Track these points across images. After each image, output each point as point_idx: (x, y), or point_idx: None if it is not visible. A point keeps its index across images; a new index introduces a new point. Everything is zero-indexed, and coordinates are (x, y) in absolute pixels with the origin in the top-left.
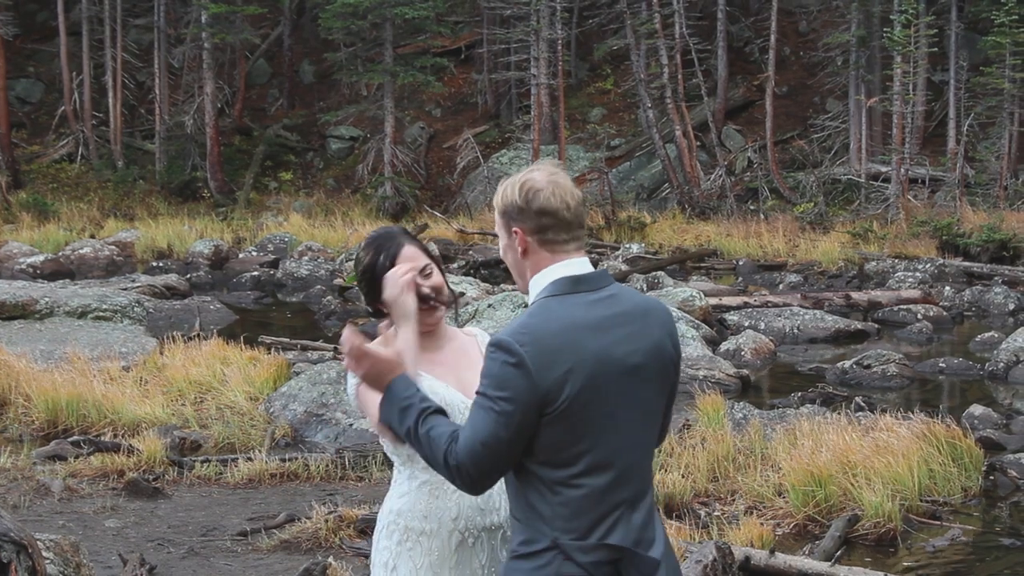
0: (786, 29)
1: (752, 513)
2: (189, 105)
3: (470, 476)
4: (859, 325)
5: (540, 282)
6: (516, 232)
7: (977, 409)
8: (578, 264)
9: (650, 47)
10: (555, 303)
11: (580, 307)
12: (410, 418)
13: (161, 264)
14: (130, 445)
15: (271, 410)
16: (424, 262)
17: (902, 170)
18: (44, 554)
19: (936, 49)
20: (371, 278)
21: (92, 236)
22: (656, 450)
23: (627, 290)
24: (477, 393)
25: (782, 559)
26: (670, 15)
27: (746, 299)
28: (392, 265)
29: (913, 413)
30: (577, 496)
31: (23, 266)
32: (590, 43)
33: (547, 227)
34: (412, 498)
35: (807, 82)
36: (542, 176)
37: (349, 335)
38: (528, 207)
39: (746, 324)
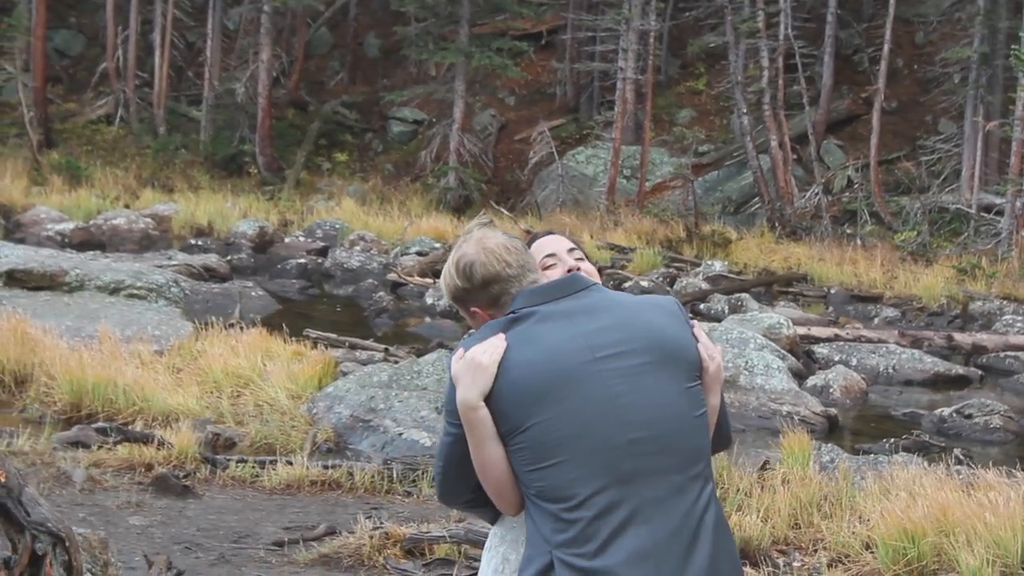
0: (901, 39)
1: (836, 567)
2: (242, 72)
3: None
4: (960, 370)
5: None
6: (476, 312)
7: None
8: None
9: (750, 47)
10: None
11: (545, 308)
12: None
13: (200, 243)
14: (160, 437)
15: (314, 411)
16: (569, 246)
17: (1018, 203)
18: None
19: None
20: None
21: (126, 206)
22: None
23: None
24: None
25: None
26: (775, 14)
27: (837, 331)
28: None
29: (1018, 471)
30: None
31: (51, 233)
32: (684, 38)
33: (499, 294)
34: (518, 522)
35: (920, 99)
36: (471, 248)
37: None
38: (472, 284)
39: (836, 359)
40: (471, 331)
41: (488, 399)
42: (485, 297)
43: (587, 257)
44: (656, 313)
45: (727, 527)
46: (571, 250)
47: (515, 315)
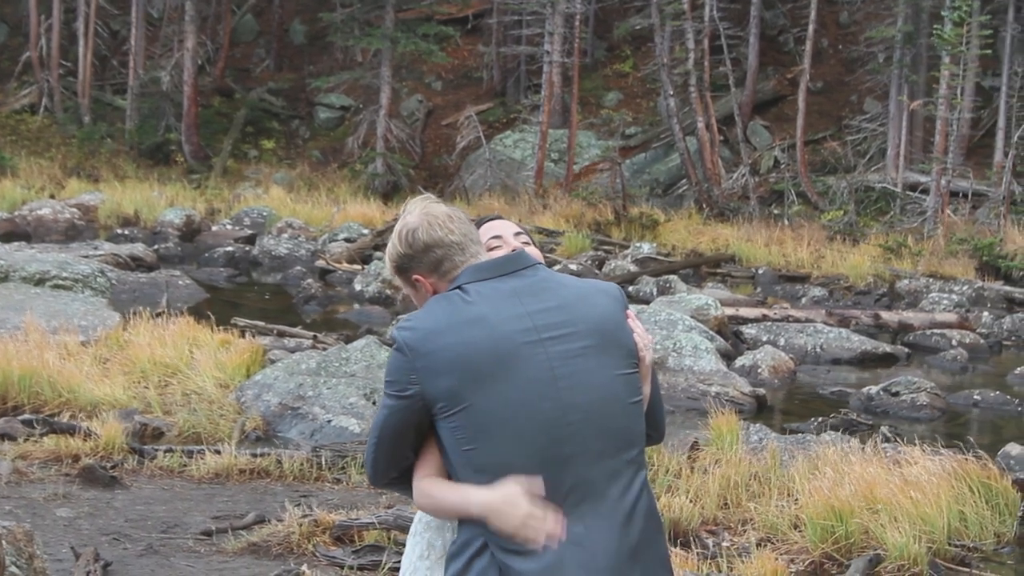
0: (826, 19)
1: (765, 546)
2: (166, 60)
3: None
4: (888, 348)
5: None
6: (419, 280)
7: (1014, 448)
8: None
9: (676, 29)
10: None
11: (491, 284)
12: None
13: (127, 232)
14: (87, 428)
15: (242, 400)
16: (516, 230)
17: (943, 181)
18: None
19: (989, 52)
20: None
21: (52, 196)
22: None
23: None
24: None
25: None
26: None
27: (765, 312)
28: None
29: (943, 448)
30: None
31: None
32: (610, 20)
33: (441, 259)
34: None
35: (844, 79)
36: (414, 217)
37: None
38: (414, 250)
39: (764, 339)
40: (400, 317)
41: (429, 375)
42: (427, 262)
43: (533, 242)
44: (601, 298)
45: (659, 517)
46: (517, 234)
47: (460, 290)
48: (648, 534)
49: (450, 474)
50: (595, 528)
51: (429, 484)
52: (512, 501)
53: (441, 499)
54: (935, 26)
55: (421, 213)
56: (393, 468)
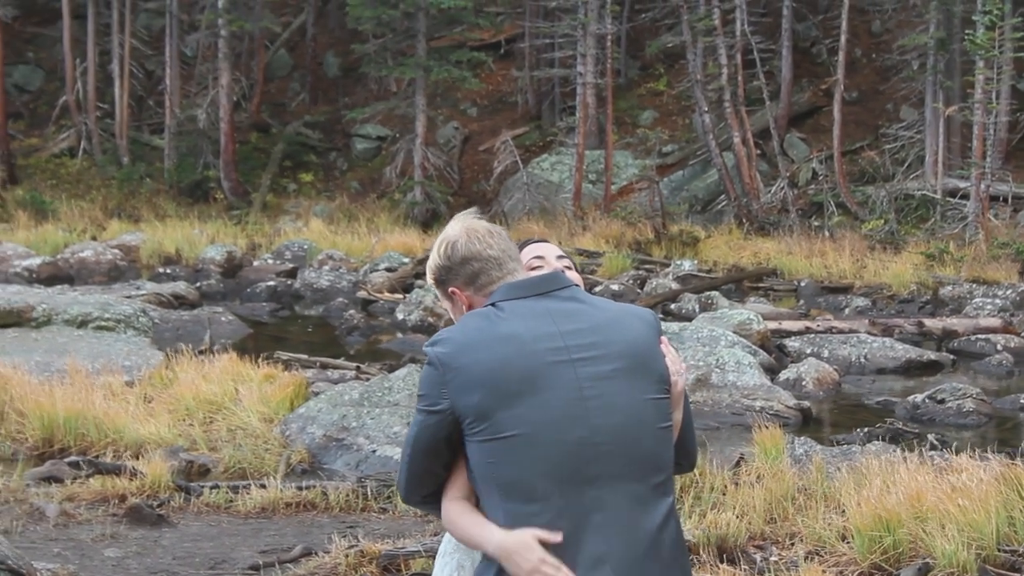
0: (858, 29)
1: (813, 559)
2: (202, 98)
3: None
4: (932, 355)
5: None
6: (455, 292)
7: None
8: None
9: (708, 45)
10: (493, 309)
11: (525, 303)
12: None
13: (168, 271)
14: (133, 468)
15: (287, 433)
16: (558, 253)
17: (982, 186)
18: None
19: (1023, 55)
20: None
21: (94, 238)
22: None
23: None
24: None
25: None
26: (731, 11)
27: (808, 324)
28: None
29: (991, 453)
30: None
31: (18, 269)
32: (642, 39)
33: (478, 272)
34: None
35: (879, 87)
36: (455, 230)
37: None
38: (452, 262)
39: (808, 351)
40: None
41: (459, 390)
42: (464, 275)
43: (575, 267)
44: (634, 322)
45: (684, 546)
46: (560, 257)
47: (494, 307)
48: (674, 563)
49: (476, 491)
50: (618, 548)
51: (455, 510)
52: (527, 546)
53: (463, 529)
54: (967, 31)
55: (462, 227)
56: (425, 485)
